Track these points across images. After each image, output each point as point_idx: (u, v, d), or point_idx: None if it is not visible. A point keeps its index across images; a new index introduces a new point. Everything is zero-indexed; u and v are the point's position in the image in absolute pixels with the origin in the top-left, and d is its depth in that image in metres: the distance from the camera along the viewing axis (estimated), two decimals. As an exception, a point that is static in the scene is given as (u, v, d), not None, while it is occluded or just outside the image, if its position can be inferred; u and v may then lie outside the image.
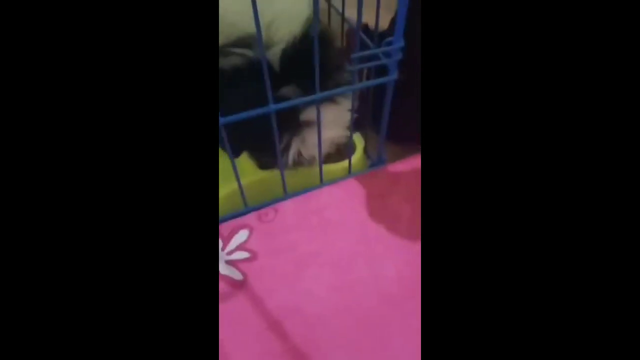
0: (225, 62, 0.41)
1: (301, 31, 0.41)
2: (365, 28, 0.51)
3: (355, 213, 0.47)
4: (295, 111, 0.42)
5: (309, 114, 0.43)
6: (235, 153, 0.44)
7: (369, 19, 0.47)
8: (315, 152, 0.46)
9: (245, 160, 0.53)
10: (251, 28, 0.37)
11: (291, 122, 0.43)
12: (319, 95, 0.42)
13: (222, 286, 0.41)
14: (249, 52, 0.41)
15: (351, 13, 0.50)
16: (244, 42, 0.41)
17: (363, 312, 0.39)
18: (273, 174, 0.52)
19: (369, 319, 0.38)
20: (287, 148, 0.45)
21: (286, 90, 0.40)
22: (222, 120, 0.38)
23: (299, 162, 0.47)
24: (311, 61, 0.36)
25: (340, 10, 0.52)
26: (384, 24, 0.47)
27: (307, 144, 0.45)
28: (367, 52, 0.44)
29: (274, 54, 0.41)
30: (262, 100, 0.38)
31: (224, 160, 0.52)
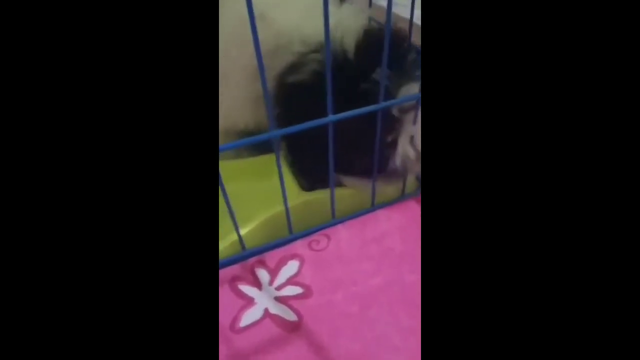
0: (302, 74, 0.40)
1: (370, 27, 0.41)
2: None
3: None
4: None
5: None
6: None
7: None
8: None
9: (286, 182, 0.47)
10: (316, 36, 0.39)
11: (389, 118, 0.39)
12: (381, 104, 0.37)
13: (274, 329, 0.34)
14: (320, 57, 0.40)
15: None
16: (315, 48, 0.40)
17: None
18: (317, 197, 0.45)
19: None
20: (393, 148, 0.40)
21: (376, 74, 0.37)
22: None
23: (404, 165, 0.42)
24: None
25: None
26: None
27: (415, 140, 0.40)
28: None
29: (349, 48, 0.39)
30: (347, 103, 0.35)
31: (263, 182, 0.47)
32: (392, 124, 0.39)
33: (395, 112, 0.38)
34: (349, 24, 0.41)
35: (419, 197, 0.46)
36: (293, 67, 0.40)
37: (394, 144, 0.40)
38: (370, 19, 0.46)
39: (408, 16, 0.39)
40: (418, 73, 0.39)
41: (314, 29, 0.40)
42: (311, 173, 0.43)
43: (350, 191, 0.45)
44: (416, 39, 0.46)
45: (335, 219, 0.44)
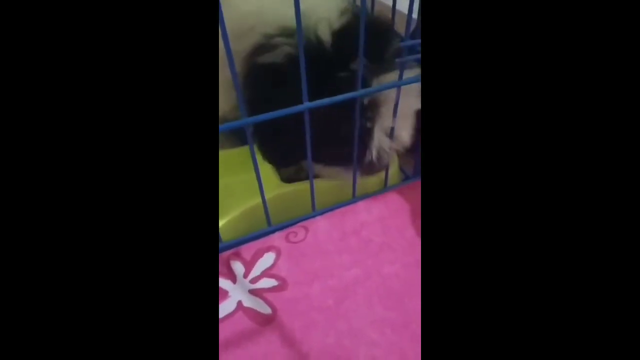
0: (273, 56, 0.37)
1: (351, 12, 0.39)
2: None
3: (401, 231, 0.40)
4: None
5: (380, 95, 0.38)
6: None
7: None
8: (403, 141, 0.41)
9: (265, 173, 0.46)
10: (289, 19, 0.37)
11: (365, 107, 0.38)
12: (360, 92, 0.36)
13: (247, 322, 0.34)
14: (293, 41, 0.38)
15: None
16: (286, 32, 0.38)
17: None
18: (297, 189, 0.45)
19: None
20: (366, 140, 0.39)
21: (354, 65, 0.36)
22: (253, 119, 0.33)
23: (379, 158, 0.40)
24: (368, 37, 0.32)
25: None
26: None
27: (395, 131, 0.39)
28: (414, 42, 0.38)
29: (325, 36, 0.37)
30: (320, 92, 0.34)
31: (242, 174, 0.46)
32: (366, 114, 0.38)
33: (368, 102, 0.38)
34: (325, 9, 0.40)
35: (401, 189, 0.45)
36: (262, 48, 0.38)
37: (368, 136, 0.39)
38: (353, 4, 0.44)
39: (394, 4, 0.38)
40: (399, 63, 0.38)
41: (284, 13, 0.38)
42: (283, 163, 0.42)
43: (331, 183, 0.44)
44: (400, 27, 0.44)
45: (316, 211, 0.43)
